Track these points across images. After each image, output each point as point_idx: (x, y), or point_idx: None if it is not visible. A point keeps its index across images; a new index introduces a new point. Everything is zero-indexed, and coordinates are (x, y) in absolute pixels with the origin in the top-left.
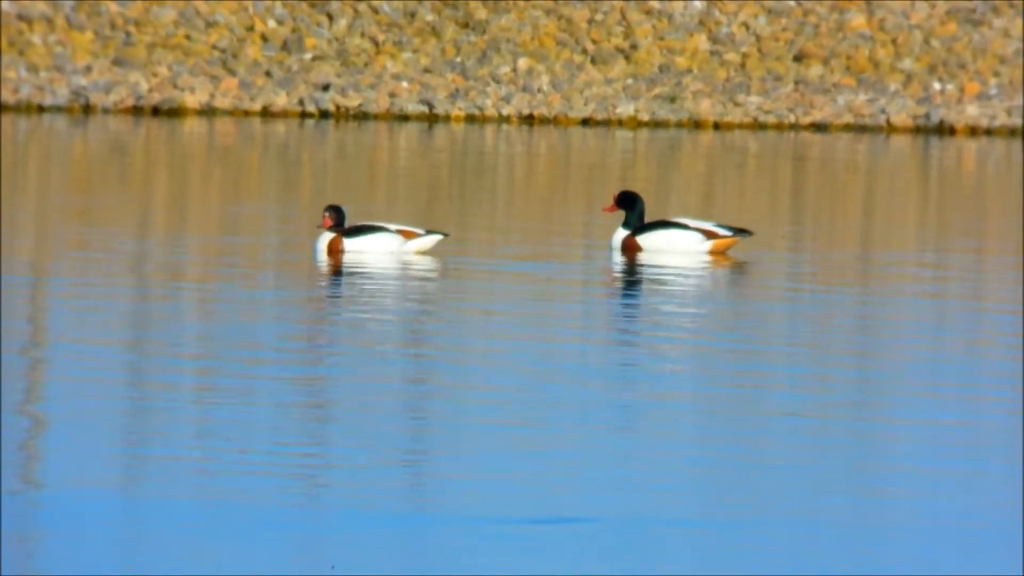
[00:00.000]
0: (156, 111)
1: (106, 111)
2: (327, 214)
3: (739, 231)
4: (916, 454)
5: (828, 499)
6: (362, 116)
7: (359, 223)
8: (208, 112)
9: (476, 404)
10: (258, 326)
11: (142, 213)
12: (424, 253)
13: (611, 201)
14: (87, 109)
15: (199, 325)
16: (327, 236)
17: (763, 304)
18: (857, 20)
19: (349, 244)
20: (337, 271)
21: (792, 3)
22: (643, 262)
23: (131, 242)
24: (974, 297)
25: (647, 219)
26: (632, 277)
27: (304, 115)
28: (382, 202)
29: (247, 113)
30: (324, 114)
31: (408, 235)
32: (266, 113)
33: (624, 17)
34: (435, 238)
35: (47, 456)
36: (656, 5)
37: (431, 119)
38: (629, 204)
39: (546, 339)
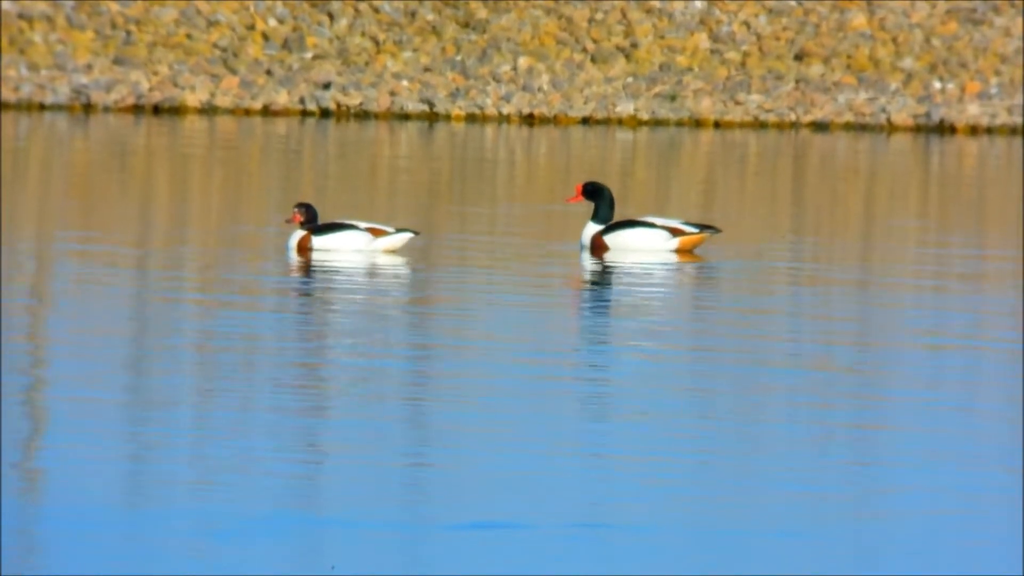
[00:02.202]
0: (157, 109)
1: (107, 110)
2: (296, 210)
3: (705, 227)
4: (915, 455)
5: (825, 501)
6: (363, 115)
7: (331, 220)
8: (209, 110)
9: (457, 408)
10: (230, 327)
11: (140, 213)
12: (394, 251)
13: (575, 191)
14: (88, 108)
15: (193, 326)
16: (298, 234)
17: (761, 302)
18: (858, 19)
19: (317, 242)
20: (305, 269)
21: (793, 2)
22: (612, 261)
23: (128, 243)
24: (974, 295)
25: (619, 214)
26: (601, 276)
27: (305, 113)
28: (369, 199)
29: (248, 112)
30: (325, 113)
31: (377, 233)
32: (267, 111)
33: (624, 16)
34: (405, 236)
35: (46, 458)
36: (657, 4)
37: (431, 118)
38: (596, 195)
39: (514, 342)
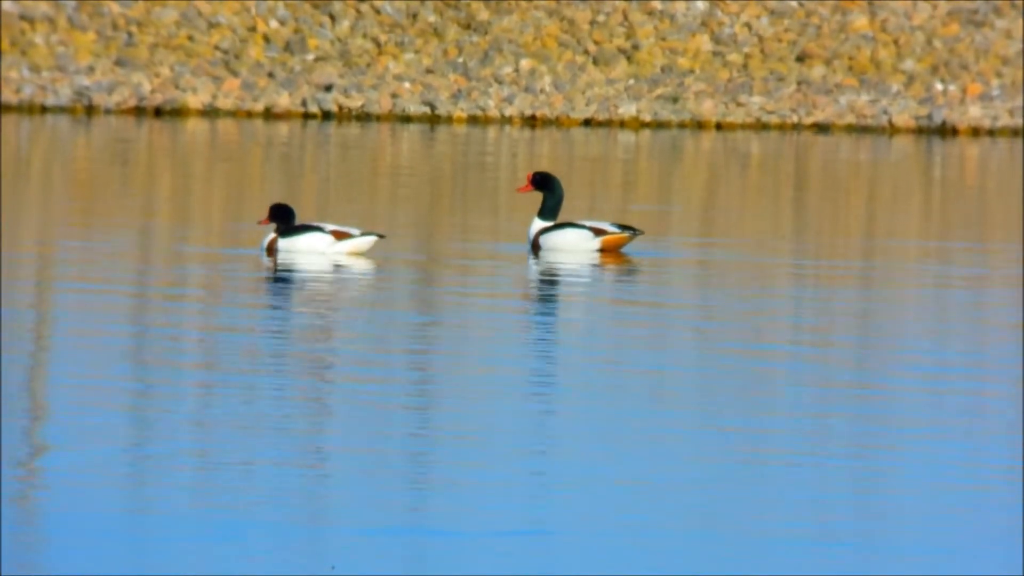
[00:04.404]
0: (158, 112)
1: (108, 112)
2: (269, 213)
3: (626, 228)
4: (917, 459)
5: (825, 505)
6: (364, 117)
7: (301, 223)
8: (211, 113)
9: (436, 413)
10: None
11: (141, 217)
12: (359, 254)
13: (526, 180)
14: (89, 109)
15: (194, 331)
16: (269, 236)
17: (761, 303)
18: (859, 21)
19: (283, 243)
20: (273, 272)
21: (794, 4)
22: (552, 262)
23: (120, 245)
24: (976, 301)
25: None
26: (544, 278)
27: (307, 116)
28: (364, 201)
29: (250, 114)
30: (327, 115)
31: (340, 236)
32: (268, 114)
33: (626, 18)
34: (370, 240)
35: (51, 462)
36: (658, 6)
37: (433, 120)
38: (543, 186)
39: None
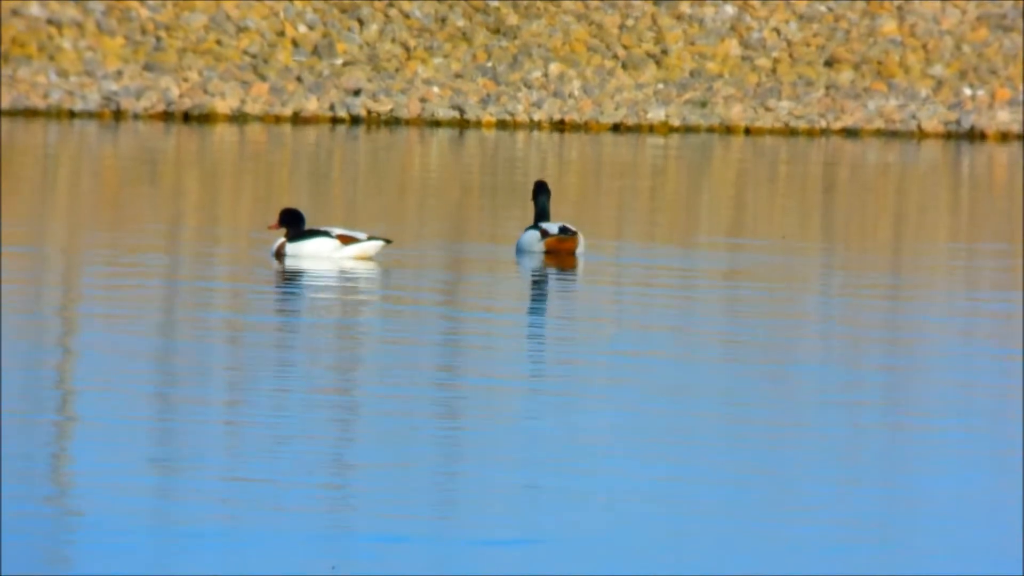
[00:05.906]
0: (187, 117)
1: (137, 117)
2: (279, 218)
3: (564, 230)
4: (938, 468)
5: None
6: (393, 121)
7: (309, 227)
8: (239, 118)
9: (429, 423)
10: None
11: (168, 225)
12: (365, 258)
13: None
14: (118, 115)
15: (222, 342)
16: (278, 240)
17: (789, 308)
18: (888, 25)
19: (289, 248)
20: (281, 276)
21: (823, 8)
22: (521, 265)
23: (154, 258)
24: (1004, 303)
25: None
26: (535, 283)
27: (335, 120)
28: (387, 206)
29: (278, 119)
30: (355, 119)
31: (346, 240)
32: (297, 118)
33: (655, 22)
34: (376, 244)
35: (73, 473)
36: (687, 10)
37: (462, 124)
38: (534, 195)
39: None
